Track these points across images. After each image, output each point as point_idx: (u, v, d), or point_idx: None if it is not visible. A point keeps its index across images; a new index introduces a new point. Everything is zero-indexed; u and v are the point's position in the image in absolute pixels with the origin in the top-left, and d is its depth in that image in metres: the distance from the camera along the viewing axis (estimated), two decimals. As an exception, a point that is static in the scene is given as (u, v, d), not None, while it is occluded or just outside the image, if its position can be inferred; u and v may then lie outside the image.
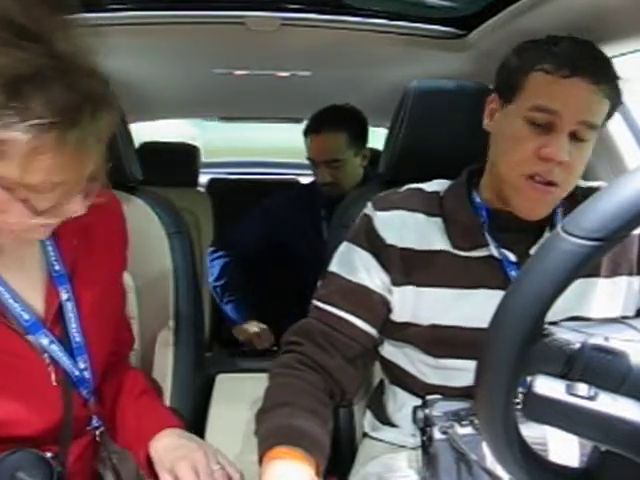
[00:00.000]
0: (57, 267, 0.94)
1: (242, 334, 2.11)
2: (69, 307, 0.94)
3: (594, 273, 1.02)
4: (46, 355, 0.91)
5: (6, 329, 0.88)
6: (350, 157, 2.01)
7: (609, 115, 0.98)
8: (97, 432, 1.00)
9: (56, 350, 0.92)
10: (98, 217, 0.96)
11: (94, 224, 0.98)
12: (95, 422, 1.00)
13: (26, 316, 0.90)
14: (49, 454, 0.89)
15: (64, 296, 0.94)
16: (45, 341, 0.91)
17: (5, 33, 0.63)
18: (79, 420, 0.97)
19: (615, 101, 0.97)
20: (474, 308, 1.01)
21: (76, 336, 0.95)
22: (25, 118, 0.66)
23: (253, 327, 2.09)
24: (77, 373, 0.95)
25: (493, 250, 1.02)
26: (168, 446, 0.96)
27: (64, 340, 0.93)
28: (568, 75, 0.93)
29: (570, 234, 0.51)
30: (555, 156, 0.94)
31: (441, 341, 1.03)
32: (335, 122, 1.99)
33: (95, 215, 0.90)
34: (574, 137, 0.95)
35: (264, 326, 2.09)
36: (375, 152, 2.21)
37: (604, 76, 0.94)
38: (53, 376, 0.92)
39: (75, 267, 0.96)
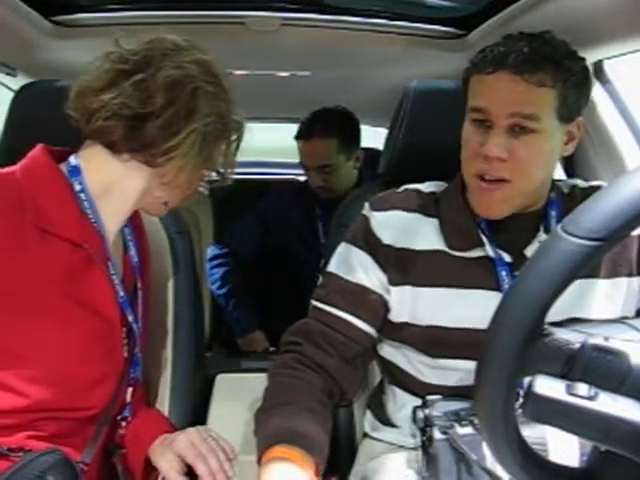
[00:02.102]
0: (136, 259, 1.07)
1: (247, 346, 2.14)
2: (139, 294, 1.06)
3: (594, 274, 1.02)
4: (124, 329, 1.00)
5: (112, 298, 0.97)
6: (341, 162, 2.00)
7: (566, 100, 0.95)
8: (124, 423, 1.04)
9: (135, 328, 1.02)
10: (143, 228, 1.13)
11: (142, 234, 1.13)
12: (126, 412, 1.04)
13: (121, 292, 1.00)
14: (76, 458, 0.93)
15: (138, 284, 1.06)
16: (131, 317, 1.02)
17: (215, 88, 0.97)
18: (118, 404, 1.02)
19: (564, 86, 0.94)
20: (470, 308, 1.01)
21: (140, 322, 1.04)
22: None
23: (259, 343, 2.12)
24: (137, 354, 1.04)
25: (489, 250, 1.02)
26: (164, 441, 1.00)
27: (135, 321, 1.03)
28: (491, 71, 0.95)
29: (570, 234, 0.51)
30: (489, 152, 0.95)
31: (438, 341, 1.03)
32: (325, 128, 1.98)
33: (142, 226, 1.12)
34: (516, 130, 0.95)
35: (267, 344, 2.11)
36: (375, 152, 2.21)
37: (531, 65, 0.93)
38: (125, 349, 1.00)
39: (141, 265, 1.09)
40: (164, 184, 0.97)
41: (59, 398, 0.91)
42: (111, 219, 0.99)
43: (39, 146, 0.98)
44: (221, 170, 1.04)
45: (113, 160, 0.95)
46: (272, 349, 2.03)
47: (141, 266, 1.08)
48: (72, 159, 0.97)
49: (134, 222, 1.09)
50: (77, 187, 0.96)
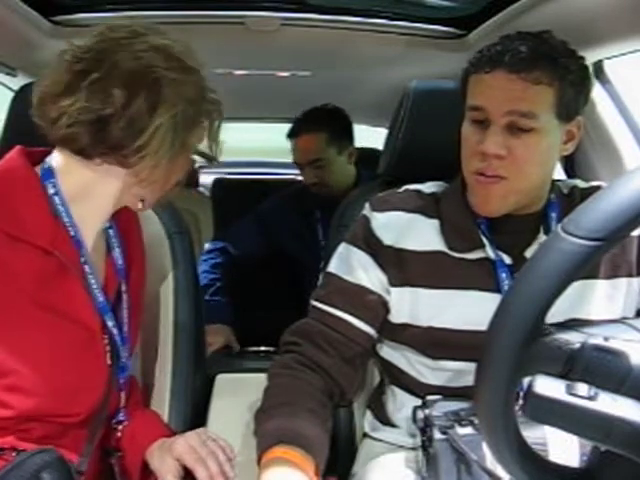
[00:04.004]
0: (120, 261, 1.04)
1: (209, 336, 2.04)
2: (124, 298, 1.03)
3: (593, 275, 1.02)
4: (107, 336, 0.98)
5: (89, 304, 0.95)
6: (333, 155, 2.00)
7: (563, 98, 0.95)
8: (120, 427, 1.03)
9: (115, 333, 0.99)
10: (136, 226, 1.11)
11: (133, 233, 1.10)
12: (121, 416, 1.03)
13: (100, 298, 0.97)
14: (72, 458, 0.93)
15: (123, 287, 1.03)
16: (111, 323, 0.98)
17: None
18: (110, 409, 1.01)
19: (561, 84, 0.94)
20: (469, 310, 1.01)
21: (125, 326, 1.01)
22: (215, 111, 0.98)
23: (220, 335, 1.95)
24: (123, 359, 1.01)
25: (489, 251, 1.02)
26: (163, 445, 0.99)
27: (118, 326, 1.01)
28: (488, 70, 0.96)
29: (570, 234, 0.51)
30: (487, 149, 0.95)
31: (438, 343, 1.03)
32: (313, 123, 1.99)
33: (135, 224, 1.10)
34: (514, 129, 0.95)
35: (227, 340, 1.98)
36: (375, 152, 2.21)
37: (527, 63, 0.93)
38: (108, 356, 0.98)
39: (128, 267, 1.06)
40: (141, 181, 0.94)
41: (38, 405, 0.89)
42: (89, 222, 0.96)
43: (16, 148, 0.95)
44: (207, 152, 1.00)
45: (86, 165, 0.92)
46: (272, 349, 2.02)
47: (127, 268, 1.05)
48: (47, 160, 0.95)
49: (120, 223, 1.06)
50: (50, 190, 0.93)
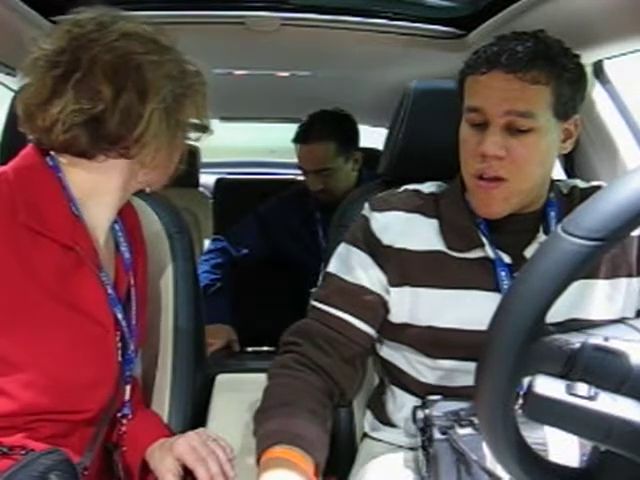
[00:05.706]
0: (127, 255, 1.05)
1: (210, 336, 2.04)
2: (133, 292, 1.03)
3: (593, 275, 1.02)
4: (118, 332, 0.98)
5: (103, 300, 0.96)
6: (340, 164, 1.99)
7: (561, 97, 0.95)
8: (124, 420, 1.03)
9: (125, 326, 0.98)
10: (138, 221, 1.13)
11: (136, 228, 1.11)
12: (126, 409, 1.03)
13: (113, 294, 0.97)
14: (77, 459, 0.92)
15: (131, 281, 1.03)
16: (120, 316, 0.98)
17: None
18: (117, 405, 1.01)
19: (558, 83, 0.95)
20: (469, 309, 1.01)
21: (133, 319, 1.01)
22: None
23: (221, 335, 1.94)
24: (130, 353, 1.01)
25: (489, 251, 1.02)
26: (163, 445, 0.99)
27: (128, 320, 1.01)
28: (485, 71, 0.96)
29: (570, 234, 0.51)
30: (486, 150, 0.95)
31: (438, 342, 1.03)
32: (322, 131, 1.97)
33: (136, 219, 1.12)
34: (512, 129, 0.95)
35: (230, 339, 1.98)
36: (375, 152, 2.21)
37: (524, 64, 0.93)
38: (119, 353, 0.98)
39: (134, 261, 1.07)
40: (146, 167, 0.95)
41: (52, 401, 0.90)
42: (100, 217, 0.98)
43: (30, 146, 0.96)
44: (199, 122, 1.00)
45: (89, 165, 0.93)
46: (272, 349, 2.01)
47: (133, 261, 1.06)
48: (54, 155, 0.95)
49: (124, 218, 1.07)
50: (62, 184, 0.94)
